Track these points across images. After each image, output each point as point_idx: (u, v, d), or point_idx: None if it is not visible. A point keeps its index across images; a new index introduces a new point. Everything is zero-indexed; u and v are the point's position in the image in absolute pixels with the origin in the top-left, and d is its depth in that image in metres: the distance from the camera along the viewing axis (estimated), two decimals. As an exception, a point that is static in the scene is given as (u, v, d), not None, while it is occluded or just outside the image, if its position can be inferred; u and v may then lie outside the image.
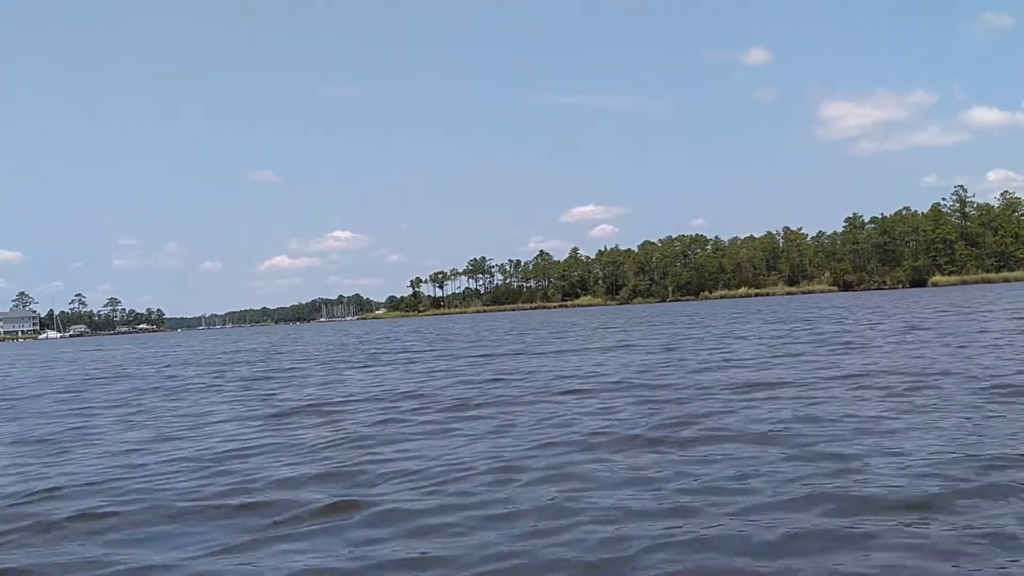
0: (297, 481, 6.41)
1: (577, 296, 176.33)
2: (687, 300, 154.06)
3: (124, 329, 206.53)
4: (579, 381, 12.86)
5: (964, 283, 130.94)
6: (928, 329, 21.16)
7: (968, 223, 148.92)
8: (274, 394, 13.92)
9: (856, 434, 7.04)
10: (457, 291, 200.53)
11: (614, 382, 12.35)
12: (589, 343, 24.79)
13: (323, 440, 8.39)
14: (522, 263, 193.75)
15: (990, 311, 29.41)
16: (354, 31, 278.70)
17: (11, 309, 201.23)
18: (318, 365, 21.84)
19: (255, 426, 9.88)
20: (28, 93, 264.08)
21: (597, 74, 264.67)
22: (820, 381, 10.95)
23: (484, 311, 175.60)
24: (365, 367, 20.13)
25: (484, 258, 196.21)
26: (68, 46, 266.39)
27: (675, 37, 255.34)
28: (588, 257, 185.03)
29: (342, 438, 8.41)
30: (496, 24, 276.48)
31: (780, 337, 21.94)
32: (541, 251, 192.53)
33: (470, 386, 13.11)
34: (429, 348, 28.37)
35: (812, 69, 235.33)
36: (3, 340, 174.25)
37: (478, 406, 10.45)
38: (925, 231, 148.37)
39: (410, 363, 20.31)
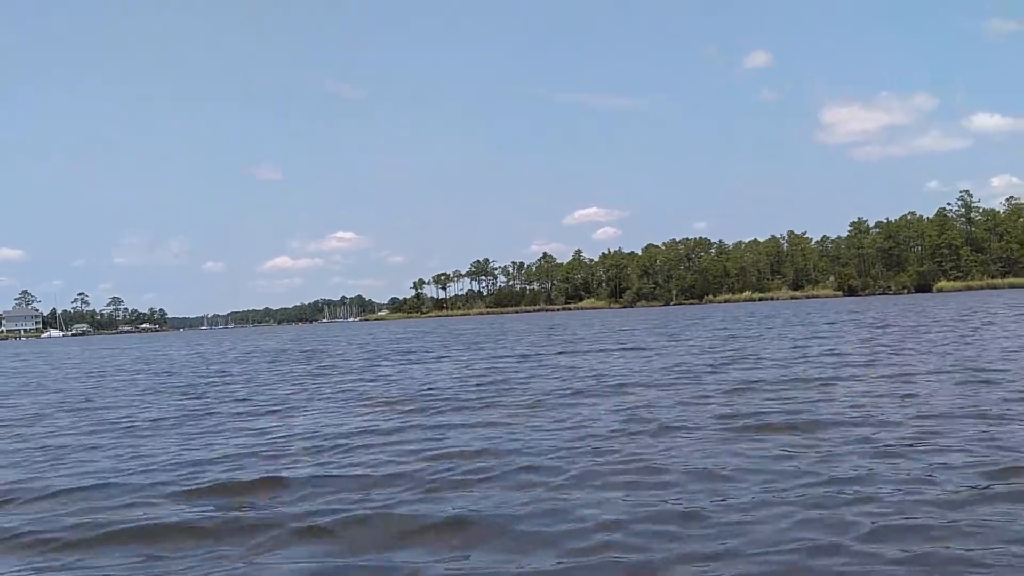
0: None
1: (580, 299, 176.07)
2: (691, 304, 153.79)
3: (127, 329, 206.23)
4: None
5: (970, 289, 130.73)
6: None
7: (974, 228, 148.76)
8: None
9: None
10: (460, 293, 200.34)
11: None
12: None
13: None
14: (525, 265, 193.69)
15: None
16: (360, 30, 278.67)
17: (13, 307, 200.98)
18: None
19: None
20: (29, 89, 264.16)
21: (599, 75, 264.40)
22: None
23: (487, 313, 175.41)
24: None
25: (487, 260, 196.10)
26: (71, 41, 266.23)
27: (677, 39, 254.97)
28: (591, 260, 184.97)
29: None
30: (499, 24, 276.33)
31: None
32: (544, 253, 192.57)
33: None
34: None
35: (814, 72, 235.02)
36: (5, 339, 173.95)
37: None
38: (930, 236, 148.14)
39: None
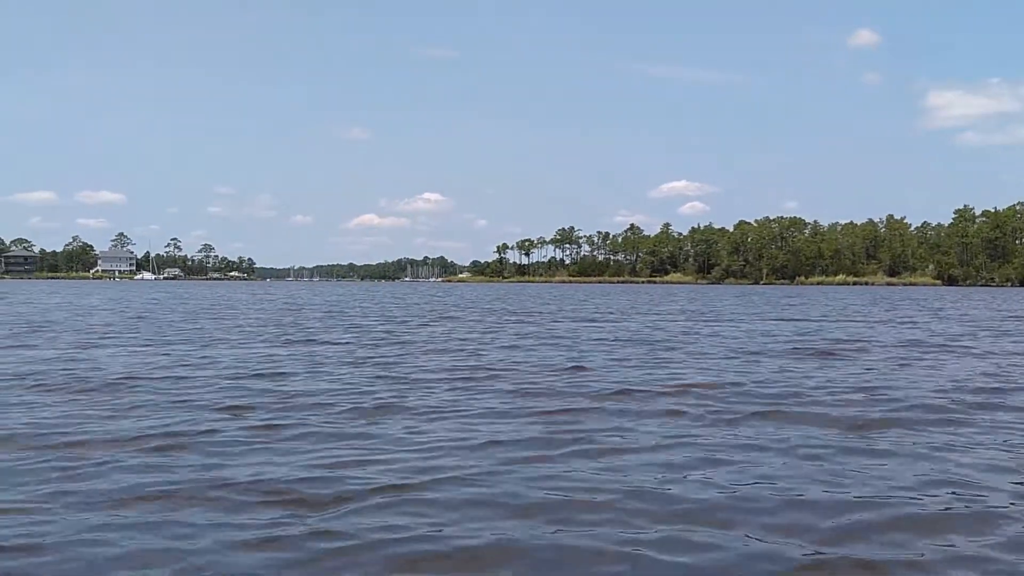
0: None
1: (666, 272, 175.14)
2: (782, 284, 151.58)
3: (216, 276, 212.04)
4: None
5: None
6: None
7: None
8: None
9: None
10: (542, 260, 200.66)
11: None
12: None
13: None
14: (610, 235, 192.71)
15: None
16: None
17: (110, 248, 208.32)
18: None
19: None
20: (135, 44, 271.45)
21: (695, 49, 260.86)
22: None
23: (569, 281, 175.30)
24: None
25: (572, 228, 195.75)
26: (173, 4, 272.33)
27: (779, 13, 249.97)
28: (680, 234, 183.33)
29: None
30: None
31: None
32: (632, 224, 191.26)
33: None
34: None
35: (921, 55, 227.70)
36: (100, 278, 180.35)
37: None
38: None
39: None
